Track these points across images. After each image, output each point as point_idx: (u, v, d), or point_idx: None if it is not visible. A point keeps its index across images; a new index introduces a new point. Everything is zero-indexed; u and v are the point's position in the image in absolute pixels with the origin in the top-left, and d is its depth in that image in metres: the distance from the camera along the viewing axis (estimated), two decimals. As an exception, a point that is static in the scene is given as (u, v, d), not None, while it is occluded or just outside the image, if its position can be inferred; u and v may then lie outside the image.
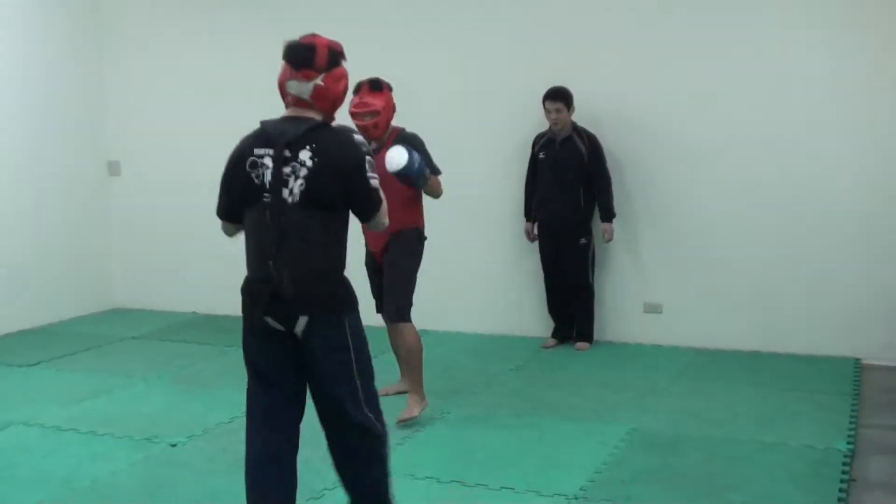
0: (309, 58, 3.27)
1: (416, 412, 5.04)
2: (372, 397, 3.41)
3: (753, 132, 6.39)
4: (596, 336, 6.76)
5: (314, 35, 3.38)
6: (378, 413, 3.42)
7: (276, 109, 3.40)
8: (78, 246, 8.08)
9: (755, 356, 6.39)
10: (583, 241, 6.57)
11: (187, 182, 8.00)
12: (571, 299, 6.71)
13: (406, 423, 4.98)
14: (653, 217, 6.69)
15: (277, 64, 3.33)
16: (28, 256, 7.57)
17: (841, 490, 4.10)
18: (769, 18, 6.30)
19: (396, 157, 4.66)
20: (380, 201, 3.36)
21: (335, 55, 3.34)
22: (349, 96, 4.58)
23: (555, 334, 6.80)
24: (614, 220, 6.57)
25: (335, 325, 3.27)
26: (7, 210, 7.39)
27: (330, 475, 4.28)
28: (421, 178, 4.79)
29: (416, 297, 7.06)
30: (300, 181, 3.20)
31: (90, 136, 8.18)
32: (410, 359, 5.14)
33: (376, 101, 4.91)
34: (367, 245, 5.24)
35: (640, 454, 4.57)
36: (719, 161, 6.48)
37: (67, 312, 7.95)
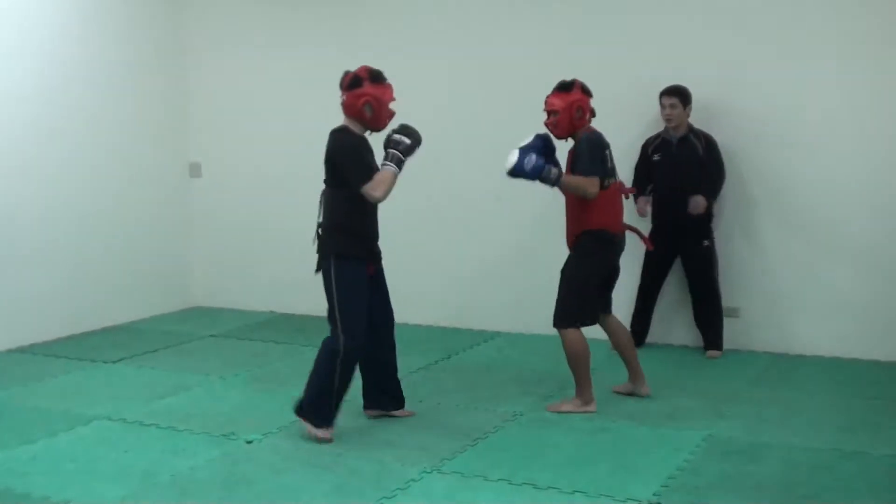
0: (341, 80, 4.73)
1: (563, 408, 5.29)
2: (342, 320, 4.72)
3: (845, 135, 6.23)
4: (672, 340, 6.67)
5: (362, 66, 4.71)
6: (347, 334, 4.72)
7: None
8: (159, 246, 8.26)
9: (836, 363, 6.25)
10: (706, 243, 6.43)
11: (266, 184, 8.15)
12: (696, 305, 6.55)
13: (551, 411, 5.29)
14: (729, 220, 6.58)
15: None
16: (110, 256, 7.76)
17: (925, 502, 3.99)
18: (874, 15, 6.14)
19: (507, 160, 5.03)
20: (360, 178, 4.60)
21: (356, 79, 4.67)
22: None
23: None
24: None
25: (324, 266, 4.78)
26: (90, 210, 7.58)
27: (402, 476, 4.30)
28: (545, 180, 5.05)
29: (491, 299, 7.18)
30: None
31: (172, 137, 8.36)
32: (570, 363, 5.30)
33: (556, 102, 5.16)
34: None
35: (715, 461, 4.50)
36: (808, 162, 6.33)
37: (148, 311, 8.13)
